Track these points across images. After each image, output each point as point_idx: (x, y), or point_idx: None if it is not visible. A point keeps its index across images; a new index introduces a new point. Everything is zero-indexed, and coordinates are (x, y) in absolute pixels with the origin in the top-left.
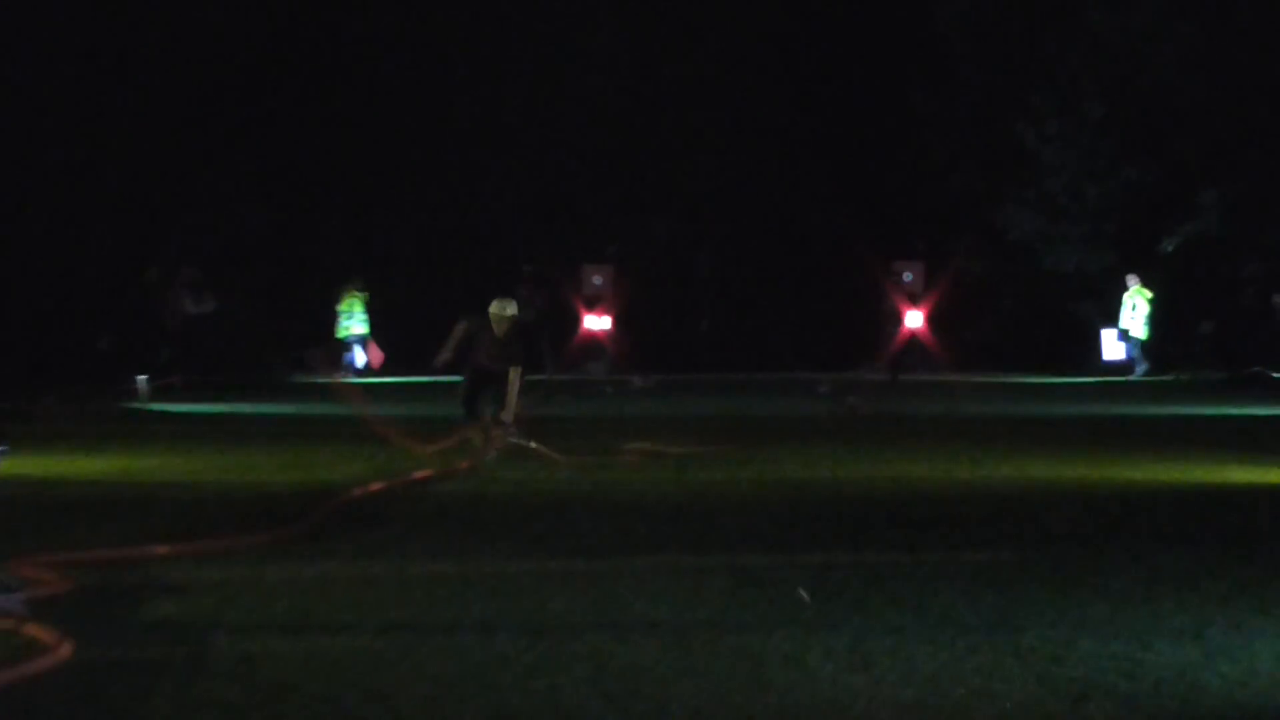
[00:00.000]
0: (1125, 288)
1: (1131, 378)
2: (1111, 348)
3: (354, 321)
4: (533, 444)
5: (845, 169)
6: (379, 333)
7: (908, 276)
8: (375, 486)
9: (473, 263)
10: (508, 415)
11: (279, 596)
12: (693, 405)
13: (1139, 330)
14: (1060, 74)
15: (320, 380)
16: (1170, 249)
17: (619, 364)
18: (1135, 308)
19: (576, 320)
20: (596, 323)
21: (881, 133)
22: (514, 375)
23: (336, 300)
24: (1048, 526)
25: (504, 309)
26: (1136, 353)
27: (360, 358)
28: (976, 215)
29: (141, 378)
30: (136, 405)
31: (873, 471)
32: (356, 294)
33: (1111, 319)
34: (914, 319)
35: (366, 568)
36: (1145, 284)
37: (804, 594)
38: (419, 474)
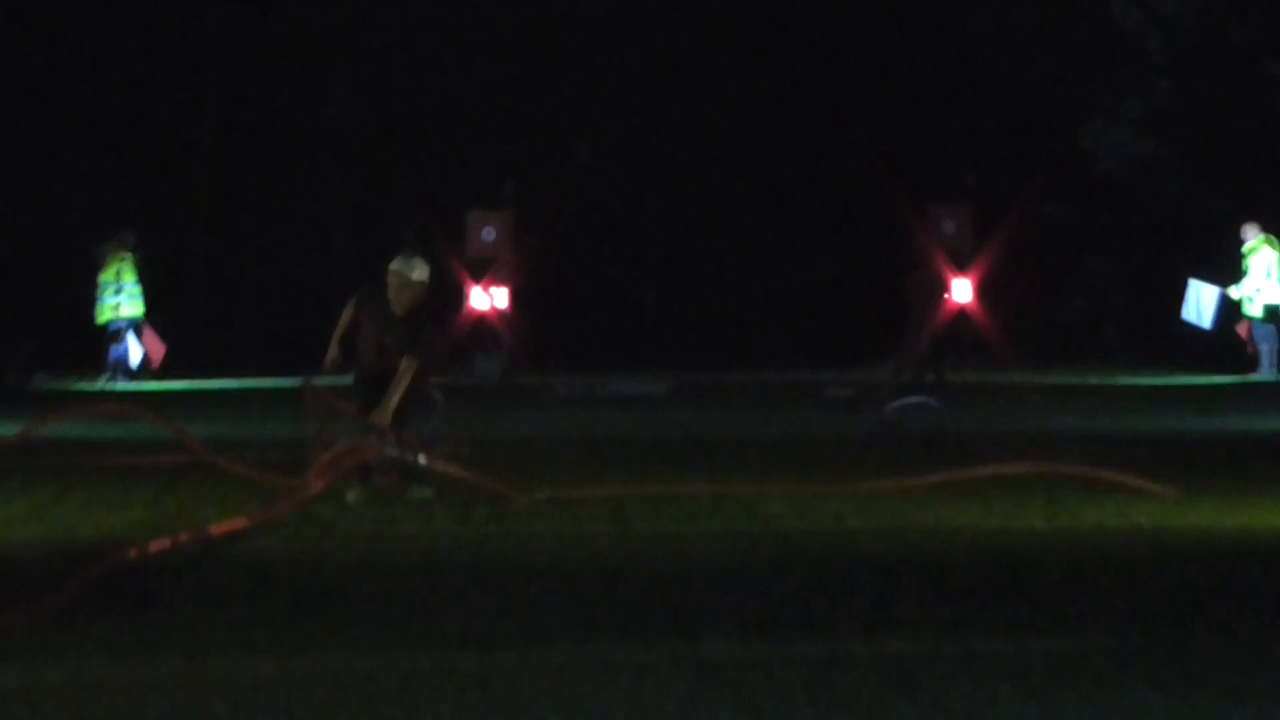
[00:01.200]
0: (1243, 239)
1: (1261, 376)
2: (1199, 304)
3: (122, 298)
4: (423, 459)
5: (857, 64)
6: (160, 314)
7: (949, 227)
8: (158, 545)
9: (298, 209)
10: (381, 416)
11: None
12: (637, 419)
13: (1272, 296)
14: None
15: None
16: None
17: (521, 359)
18: (1271, 272)
19: (458, 295)
20: (487, 298)
21: (911, 10)
22: (407, 366)
23: (97, 266)
24: (1158, 596)
25: (408, 270)
26: (1271, 339)
27: (135, 351)
28: (1052, 137)
29: None
30: None
31: (901, 518)
32: (123, 255)
33: (1212, 271)
34: (960, 290)
35: (141, 668)
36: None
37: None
38: (227, 525)
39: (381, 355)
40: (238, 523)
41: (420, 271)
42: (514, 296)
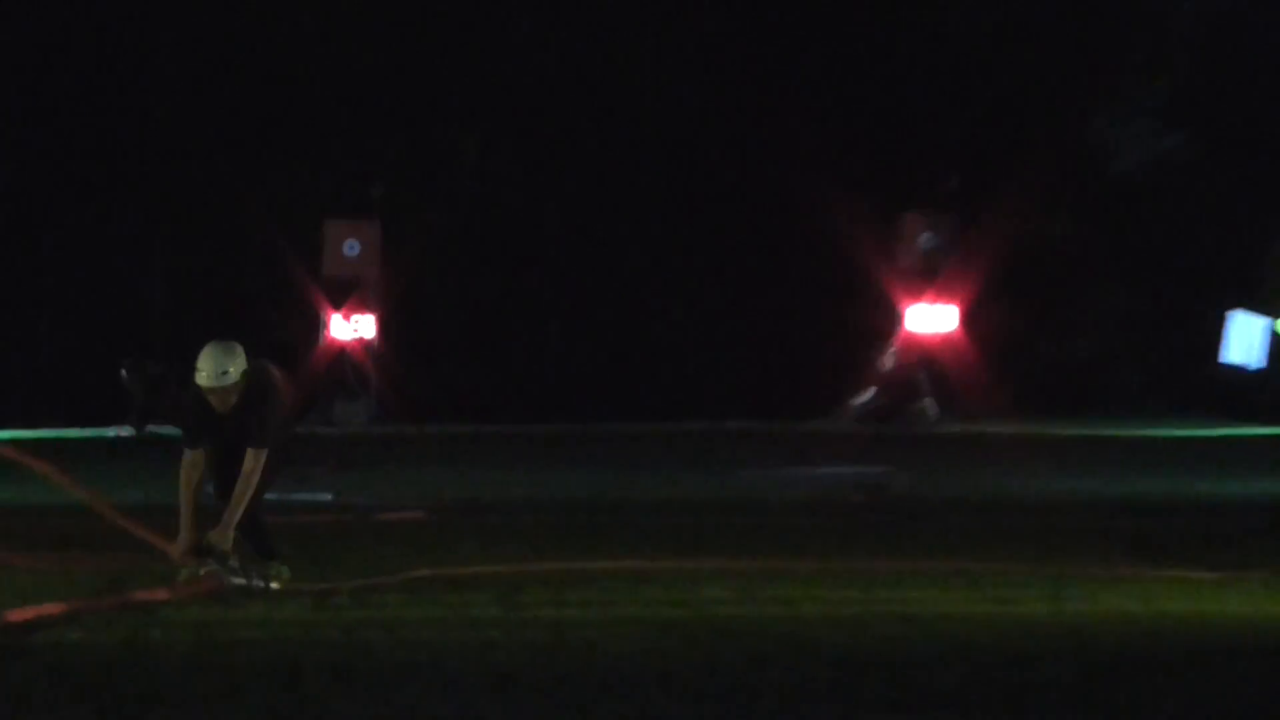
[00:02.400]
0: None
1: None
2: (1243, 340)
3: None
4: (273, 584)
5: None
6: None
7: (926, 240)
8: None
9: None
10: (219, 536)
11: None
12: (540, 476)
13: None
14: None
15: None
16: None
17: (391, 404)
18: None
19: (313, 324)
20: (349, 327)
21: None
22: (252, 463)
23: None
24: (1200, 702)
25: (220, 380)
26: None
27: None
28: (1053, 129)
29: None
30: None
31: (869, 602)
32: None
33: (1256, 297)
34: (936, 319)
35: None
36: None
37: None
38: (32, 611)
39: (227, 445)
40: (50, 609)
41: (236, 365)
42: (382, 326)
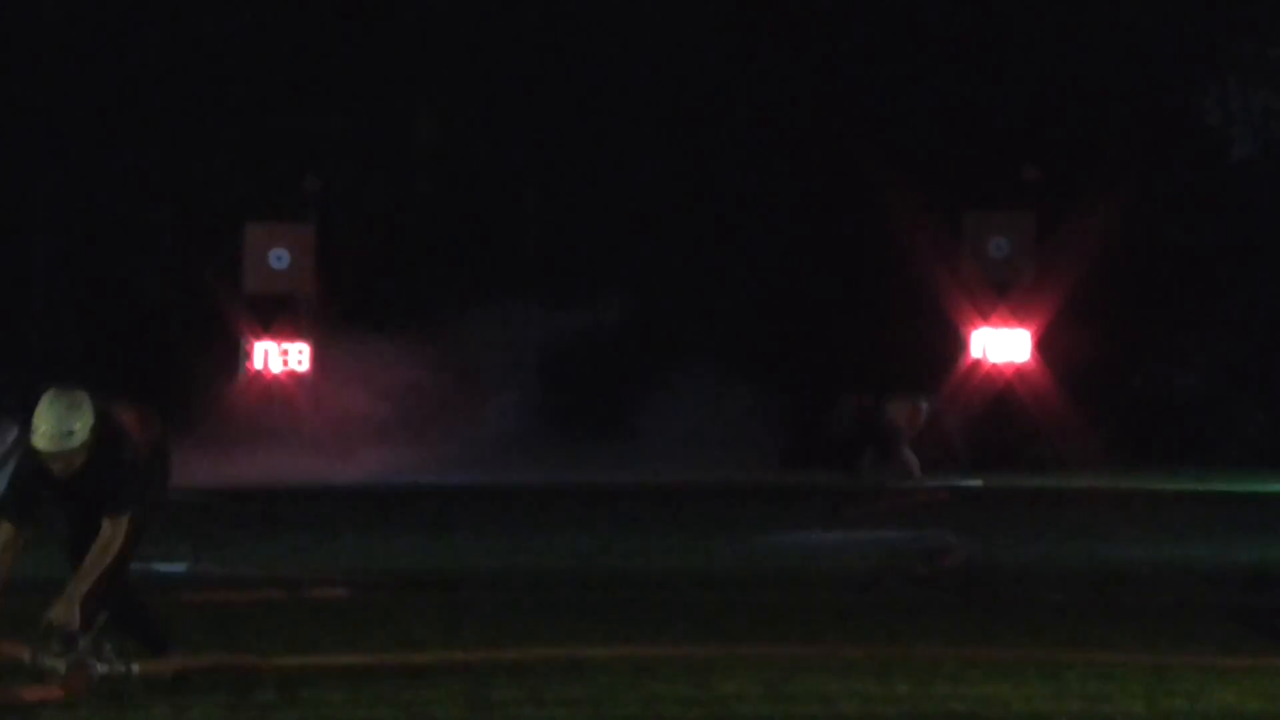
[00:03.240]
0: None
1: None
2: None
3: None
4: (135, 668)
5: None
6: None
7: (999, 247)
8: None
9: None
10: (63, 612)
11: None
12: (501, 544)
13: None
14: None
15: None
16: None
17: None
18: None
19: (231, 352)
20: (276, 358)
21: None
22: (108, 530)
23: None
24: None
25: (64, 440)
26: None
27: None
28: (1153, 108)
29: None
30: None
31: (926, 699)
32: None
33: None
34: (1004, 345)
35: None
36: None
37: None
38: None
39: (77, 515)
40: None
41: (83, 423)
42: (318, 356)
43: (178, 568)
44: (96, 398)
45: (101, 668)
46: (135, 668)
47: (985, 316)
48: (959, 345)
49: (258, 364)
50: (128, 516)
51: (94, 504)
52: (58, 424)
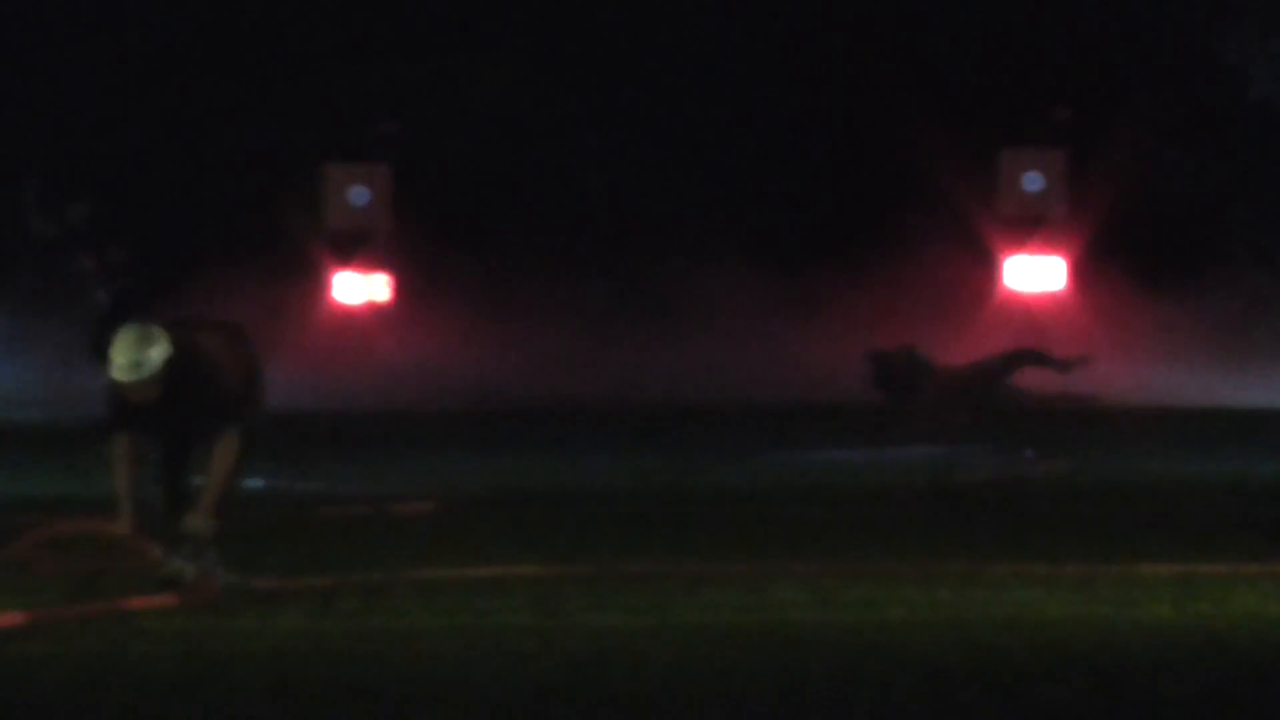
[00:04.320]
0: None
1: None
2: None
3: None
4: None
5: None
6: None
7: (1034, 181)
8: None
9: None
10: (199, 521)
11: None
12: (593, 464)
13: None
14: None
15: None
16: None
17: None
18: None
19: (314, 284)
20: (358, 288)
21: None
22: (224, 447)
23: None
24: None
25: (133, 368)
26: None
27: None
28: (1184, 48)
29: None
30: None
31: (966, 605)
32: None
33: None
34: (1049, 275)
35: None
36: None
37: None
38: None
39: (167, 444)
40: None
41: (157, 351)
42: (398, 287)
43: (257, 483)
44: (180, 329)
45: (225, 578)
46: (247, 580)
47: (1018, 247)
48: (993, 273)
49: (338, 294)
50: (234, 433)
51: (186, 429)
52: (130, 355)
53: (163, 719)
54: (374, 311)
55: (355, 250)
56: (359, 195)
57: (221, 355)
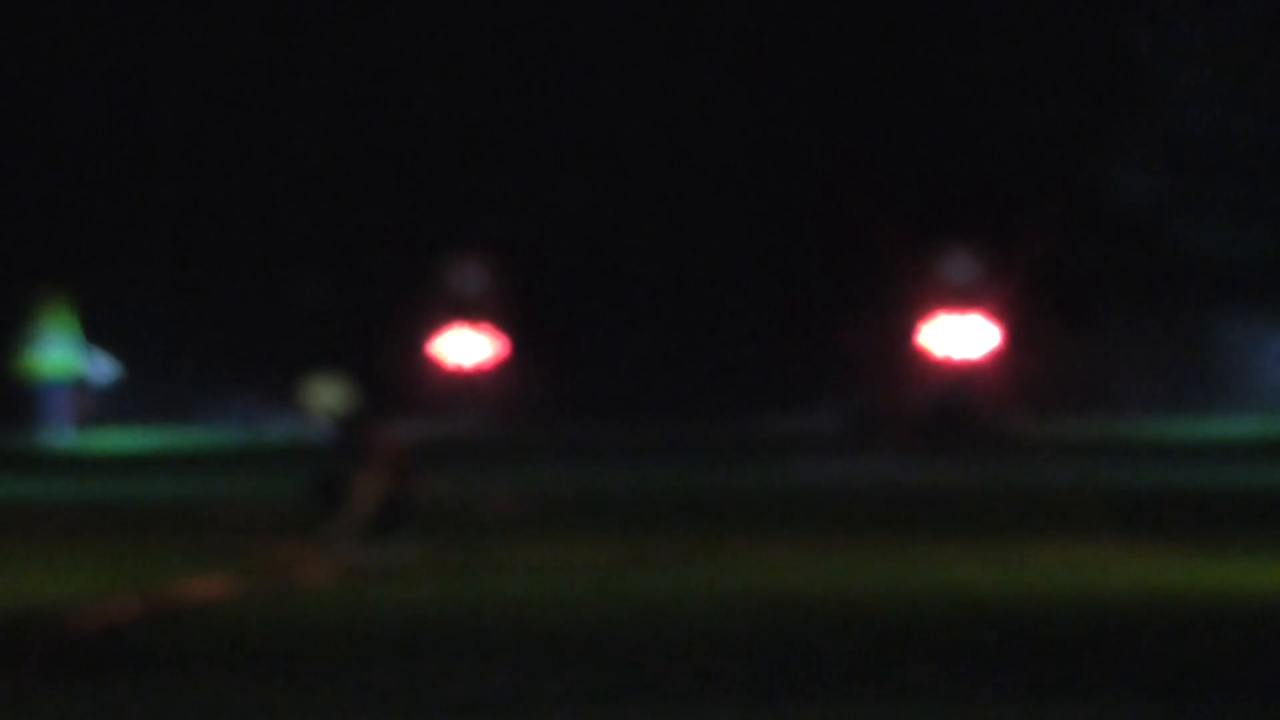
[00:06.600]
0: None
1: None
2: None
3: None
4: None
5: (856, 95)
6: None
7: (958, 271)
8: (127, 607)
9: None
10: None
11: None
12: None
13: None
14: None
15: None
16: None
17: (507, 409)
18: None
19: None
20: (471, 346)
21: (917, 40)
22: (362, 482)
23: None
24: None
25: (313, 399)
26: None
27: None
28: (1064, 171)
29: None
30: None
31: (910, 575)
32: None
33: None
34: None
35: None
36: None
37: None
38: (184, 588)
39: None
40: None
41: (327, 394)
42: (510, 341)
43: None
44: (363, 406)
45: (384, 557)
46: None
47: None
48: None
49: (447, 352)
50: (370, 477)
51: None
52: (313, 393)
53: (329, 658)
54: (480, 371)
55: (468, 318)
56: (474, 279)
57: (384, 438)
